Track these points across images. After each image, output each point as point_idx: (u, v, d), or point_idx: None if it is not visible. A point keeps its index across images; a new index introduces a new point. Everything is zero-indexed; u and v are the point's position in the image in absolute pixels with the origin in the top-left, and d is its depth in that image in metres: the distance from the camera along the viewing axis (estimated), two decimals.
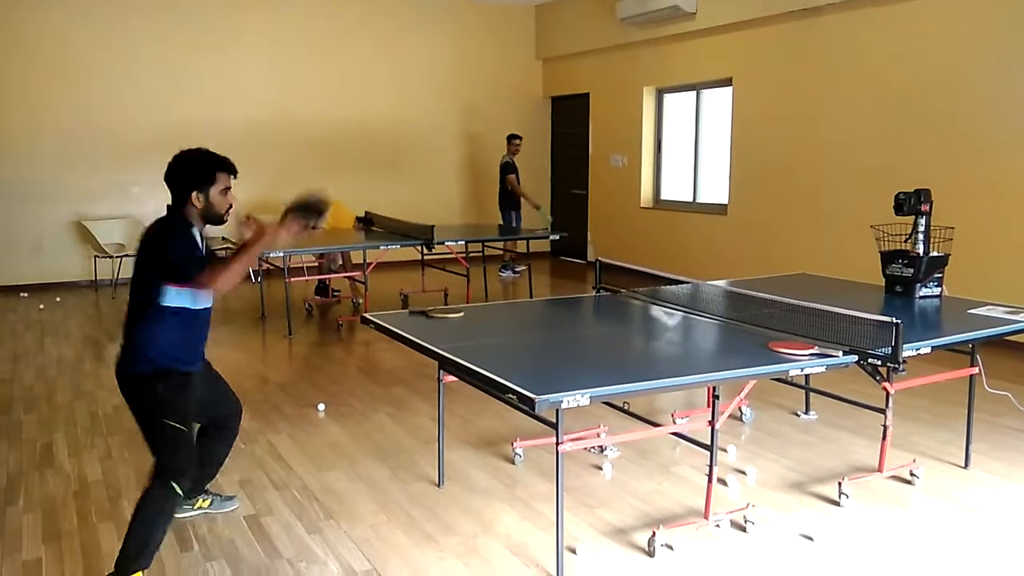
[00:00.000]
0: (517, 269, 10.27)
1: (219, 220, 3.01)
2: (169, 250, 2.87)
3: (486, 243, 8.30)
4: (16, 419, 4.81)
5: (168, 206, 2.99)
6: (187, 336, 2.99)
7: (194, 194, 2.92)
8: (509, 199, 10.12)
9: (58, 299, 8.56)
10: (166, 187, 2.96)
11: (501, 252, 10.26)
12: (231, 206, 3.02)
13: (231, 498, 3.60)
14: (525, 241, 9.00)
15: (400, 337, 3.47)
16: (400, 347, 3.57)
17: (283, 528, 3.39)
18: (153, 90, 9.38)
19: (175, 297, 2.91)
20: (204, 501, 3.53)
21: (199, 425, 3.22)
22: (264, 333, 7.08)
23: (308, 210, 3.01)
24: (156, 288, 2.89)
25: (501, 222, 10.22)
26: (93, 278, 9.27)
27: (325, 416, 4.84)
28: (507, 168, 10.06)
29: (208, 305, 3.04)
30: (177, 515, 3.40)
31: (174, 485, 2.83)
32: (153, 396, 2.91)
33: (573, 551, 3.16)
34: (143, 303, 2.92)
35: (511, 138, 10.15)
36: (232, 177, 3.00)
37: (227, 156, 3.00)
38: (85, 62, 9.08)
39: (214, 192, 2.94)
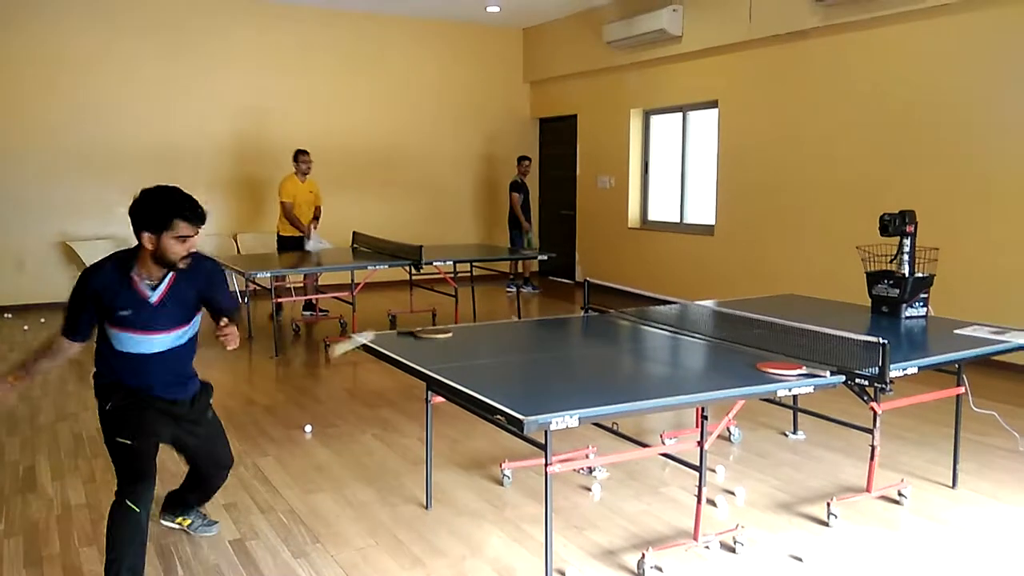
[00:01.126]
0: (533, 287, 10.63)
1: (171, 266, 2.88)
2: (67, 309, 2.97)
3: (474, 263, 8.30)
4: None
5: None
6: (127, 365, 2.95)
7: (145, 235, 2.81)
8: (516, 218, 10.35)
9: (43, 320, 8.48)
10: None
11: (509, 272, 10.53)
12: (188, 255, 2.87)
13: (214, 523, 3.56)
14: (511, 261, 9.02)
15: (388, 358, 3.46)
16: (388, 368, 3.55)
17: (269, 552, 3.36)
18: (141, 108, 9.37)
19: (121, 340, 2.94)
20: (185, 520, 3.50)
21: (174, 446, 3.20)
22: (251, 354, 7.04)
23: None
24: (102, 326, 2.97)
25: (509, 240, 10.47)
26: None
27: (312, 438, 4.80)
28: (512, 187, 10.35)
29: (150, 351, 2.94)
30: (162, 523, 3.47)
31: (127, 502, 2.75)
32: (102, 412, 2.95)
33: (562, 573, 3.14)
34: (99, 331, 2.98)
35: (520, 160, 10.46)
36: (195, 227, 2.84)
37: (197, 202, 2.86)
38: (72, 80, 9.05)
39: (167, 237, 2.80)
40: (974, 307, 5.63)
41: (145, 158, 9.40)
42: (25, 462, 4.41)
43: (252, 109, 9.93)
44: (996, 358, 3.99)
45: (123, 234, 9.30)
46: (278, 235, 8.52)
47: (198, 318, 3.08)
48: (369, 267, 7.32)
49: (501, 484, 4.06)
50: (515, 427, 2.57)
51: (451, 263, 7.93)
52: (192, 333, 3.07)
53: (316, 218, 8.54)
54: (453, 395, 3.01)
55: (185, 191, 2.89)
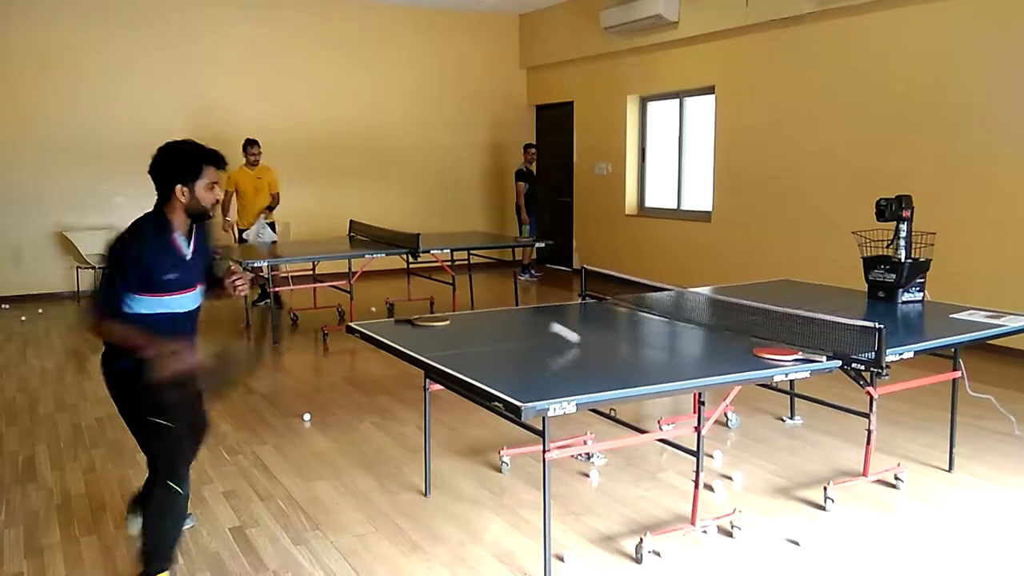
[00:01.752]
0: (535, 273, 10.69)
1: (204, 215, 2.87)
2: (105, 269, 2.77)
3: (472, 251, 8.30)
4: None
5: (156, 202, 2.85)
6: (163, 334, 2.75)
7: (178, 188, 2.77)
8: (528, 204, 10.44)
9: (40, 311, 8.48)
10: (151, 179, 2.82)
11: (521, 259, 10.58)
12: (217, 201, 2.89)
13: (190, 515, 3.40)
14: (511, 248, 9.02)
15: (386, 346, 3.46)
16: (386, 356, 3.56)
17: (268, 539, 3.37)
18: (136, 100, 9.34)
19: (140, 303, 2.77)
20: None
21: None
22: (249, 343, 7.04)
23: (226, 377, 2.89)
24: (118, 293, 2.76)
25: (518, 227, 10.56)
26: (75, 289, 9.19)
27: (311, 426, 4.82)
28: (517, 176, 10.45)
29: (184, 310, 2.88)
30: (129, 526, 3.30)
31: (171, 485, 2.76)
32: (136, 393, 2.77)
33: (560, 559, 3.16)
34: (90, 309, 2.80)
35: (525, 147, 10.55)
36: (220, 171, 2.86)
37: (215, 149, 2.87)
38: (67, 71, 9.02)
39: (200, 186, 2.79)
40: (971, 292, 5.63)
41: (140, 149, 9.22)
42: (25, 452, 4.42)
43: (248, 100, 9.89)
44: (992, 342, 4.01)
45: (119, 223, 9.27)
46: (237, 227, 8.43)
47: None
48: (366, 255, 7.31)
49: (499, 471, 4.07)
50: (513, 414, 2.58)
51: (448, 251, 7.92)
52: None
53: (270, 208, 8.41)
54: (451, 383, 3.02)
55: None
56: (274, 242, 8.39)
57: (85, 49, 9.08)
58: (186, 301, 2.88)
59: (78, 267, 9.07)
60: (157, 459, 2.85)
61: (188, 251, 2.88)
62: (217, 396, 2.88)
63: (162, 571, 2.82)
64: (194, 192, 2.79)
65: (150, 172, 2.81)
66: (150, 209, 2.87)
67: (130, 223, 2.83)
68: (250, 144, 8.33)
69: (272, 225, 8.53)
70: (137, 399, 2.80)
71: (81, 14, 9.01)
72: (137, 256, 2.74)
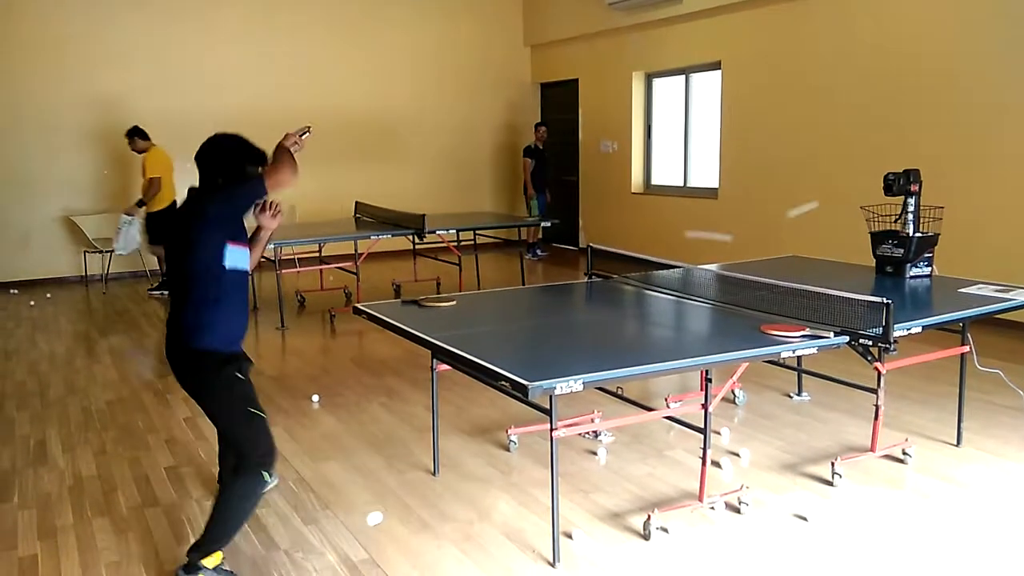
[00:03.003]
0: (541, 252, 10.77)
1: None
2: (229, 196, 2.84)
3: (478, 231, 8.28)
4: (9, 416, 4.80)
5: (190, 189, 2.94)
6: (240, 302, 2.91)
7: (220, 181, 2.88)
8: (535, 182, 10.48)
9: (48, 295, 8.52)
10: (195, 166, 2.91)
11: (527, 238, 10.64)
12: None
13: (274, 476, 3.46)
14: (517, 228, 9.01)
15: (393, 327, 3.47)
16: (393, 337, 3.57)
17: (279, 519, 3.40)
18: (140, 83, 9.31)
19: (233, 257, 2.85)
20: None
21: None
22: (256, 325, 7.07)
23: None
24: (219, 250, 2.81)
25: (526, 204, 10.64)
26: (83, 274, 9.22)
27: (319, 407, 4.84)
28: (525, 153, 10.52)
29: (248, 269, 3.01)
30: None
31: (264, 473, 2.83)
32: (232, 381, 2.83)
33: (569, 536, 3.17)
34: (204, 272, 2.81)
35: (536, 126, 10.61)
36: (261, 169, 2.93)
37: (260, 148, 2.95)
38: (71, 56, 9.00)
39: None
40: (979, 266, 5.60)
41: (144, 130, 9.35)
42: (36, 436, 4.45)
43: (251, 81, 9.85)
44: (1001, 316, 3.99)
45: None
46: (149, 213, 8.22)
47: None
48: (372, 236, 7.31)
49: (507, 449, 4.09)
50: (520, 393, 2.58)
51: (454, 231, 7.91)
52: None
53: (140, 202, 8.26)
54: (458, 362, 3.02)
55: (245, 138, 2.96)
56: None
57: (91, 33, 9.05)
58: (248, 259, 3.00)
59: (85, 251, 9.09)
60: (249, 447, 2.85)
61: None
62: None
63: (219, 551, 2.87)
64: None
65: (196, 159, 2.91)
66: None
67: (195, 195, 2.92)
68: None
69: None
70: (227, 387, 2.84)
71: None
72: (224, 198, 2.85)
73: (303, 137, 3.06)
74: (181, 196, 9.00)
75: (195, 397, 2.92)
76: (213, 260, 2.81)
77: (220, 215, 2.83)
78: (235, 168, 2.89)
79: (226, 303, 2.86)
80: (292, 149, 2.97)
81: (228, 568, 2.93)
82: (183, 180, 9.16)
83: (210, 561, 2.85)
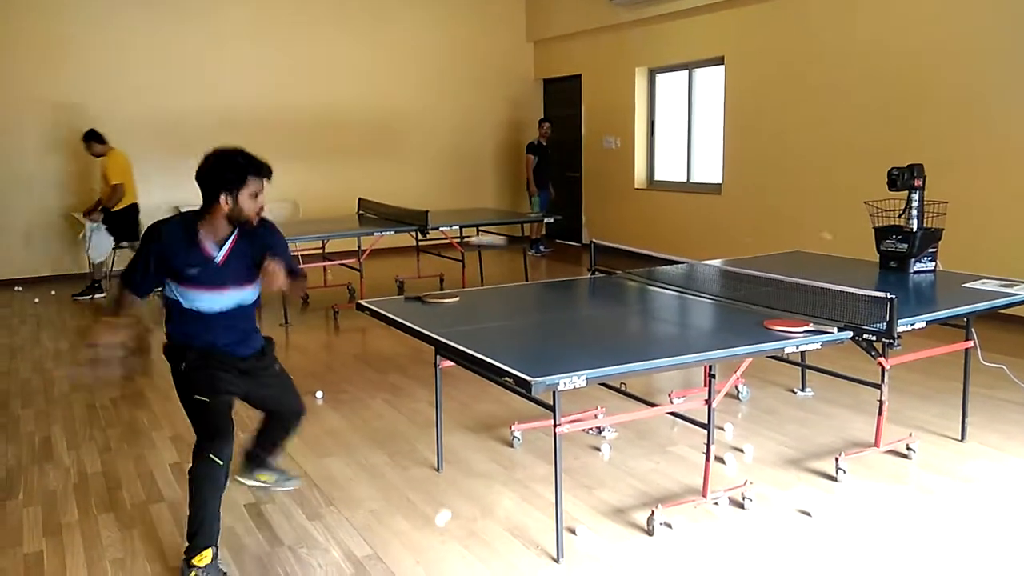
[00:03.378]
0: (544, 248, 10.78)
1: (247, 224, 2.92)
2: (132, 259, 3.02)
3: (480, 227, 8.28)
4: (14, 413, 4.81)
5: (202, 205, 2.93)
6: (197, 325, 2.96)
7: (222, 196, 2.83)
8: (537, 179, 10.46)
9: (52, 292, 8.53)
10: (196, 164, 2.89)
11: (529, 234, 10.63)
12: (261, 208, 2.94)
13: (292, 478, 3.50)
14: (520, 224, 9.00)
15: (396, 323, 3.47)
16: (396, 333, 3.57)
17: (283, 515, 3.41)
18: (140, 81, 9.31)
19: (188, 297, 2.95)
20: (267, 476, 3.42)
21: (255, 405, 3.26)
22: (260, 322, 7.05)
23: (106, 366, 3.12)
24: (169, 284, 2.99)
25: (530, 202, 10.65)
26: (87, 271, 9.22)
27: (323, 403, 4.84)
28: (528, 149, 10.51)
29: (215, 310, 2.96)
30: (242, 481, 3.38)
31: (211, 457, 2.83)
32: (178, 372, 2.98)
33: (573, 532, 3.17)
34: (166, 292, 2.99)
35: (540, 122, 10.61)
36: (265, 181, 2.90)
37: (262, 160, 2.91)
38: (72, 51, 9.00)
39: (243, 196, 2.85)
40: (983, 260, 5.59)
41: (146, 130, 9.37)
42: (41, 433, 4.47)
43: (252, 79, 9.85)
44: (1005, 311, 3.98)
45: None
46: (114, 211, 8.16)
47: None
48: (375, 233, 7.31)
49: (511, 445, 4.09)
50: (523, 389, 2.58)
51: (458, 228, 7.90)
52: (257, 292, 3.09)
53: (101, 207, 8.21)
54: (461, 359, 3.03)
55: (247, 151, 2.93)
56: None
57: (88, 31, 9.03)
58: (214, 302, 2.95)
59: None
60: (197, 432, 2.93)
61: (218, 255, 2.93)
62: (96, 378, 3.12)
63: (207, 547, 2.85)
64: (237, 201, 2.85)
65: (196, 177, 2.88)
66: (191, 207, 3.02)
67: (164, 218, 3.02)
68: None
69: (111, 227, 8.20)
70: (178, 376, 2.99)
71: None
72: (158, 243, 2.91)
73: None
74: (159, 195, 9.02)
75: None
76: (133, 274, 3.00)
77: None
78: (209, 194, 2.86)
79: (186, 318, 2.97)
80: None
81: (221, 567, 2.92)
82: (166, 176, 9.33)
83: (200, 559, 2.84)
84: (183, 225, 2.93)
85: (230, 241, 2.94)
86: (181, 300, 2.95)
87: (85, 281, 8.51)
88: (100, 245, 8.25)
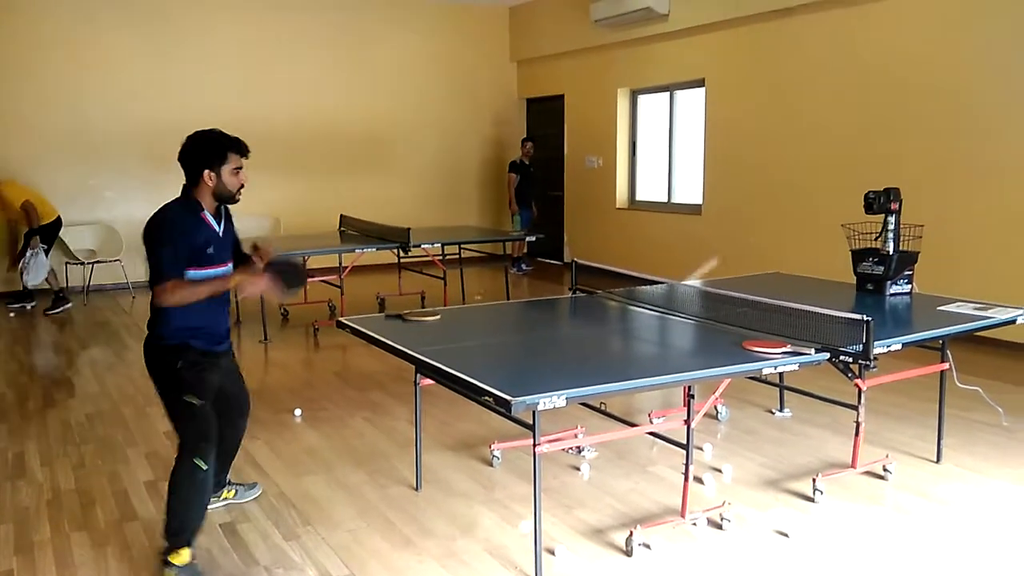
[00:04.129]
0: (525, 266, 10.81)
1: (231, 199, 3.08)
2: (151, 250, 2.94)
3: (463, 245, 8.29)
4: None
5: (183, 187, 3.06)
6: (202, 314, 3.03)
7: (206, 173, 2.98)
8: (519, 197, 10.53)
9: (28, 307, 8.43)
10: (180, 167, 3.02)
11: (510, 252, 10.72)
12: (242, 186, 3.07)
13: (254, 485, 3.70)
14: (502, 243, 9.02)
15: (376, 341, 3.46)
16: (377, 351, 3.56)
17: (260, 535, 3.37)
18: (124, 94, 9.28)
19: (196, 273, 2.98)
20: (229, 492, 3.61)
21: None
22: (239, 338, 7.03)
23: (291, 277, 3.10)
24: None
25: (512, 220, 10.73)
26: (64, 285, 9.13)
27: (302, 421, 4.81)
28: (510, 168, 10.59)
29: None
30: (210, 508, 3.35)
31: (195, 461, 2.88)
32: (171, 371, 2.99)
33: (551, 552, 3.16)
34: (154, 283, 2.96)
35: (523, 141, 10.68)
36: (243, 158, 3.06)
37: (239, 137, 3.07)
38: (57, 66, 8.96)
39: (226, 171, 3.00)
40: (959, 283, 5.67)
41: (131, 144, 9.33)
42: (14, 448, 4.40)
43: (238, 94, 9.84)
44: (980, 334, 4.03)
45: (109, 218, 9.28)
46: (40, 228, 8.07)
47: None
48: (357, 250, 7.30)
49: (490, 465, 4.08)
50: (503, 408, 2.58)
51: (439, 245, 7.91)
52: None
53: (32, 231, 8.06)
54: (442, 377, 3.02)
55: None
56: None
57: (75, 44, 9.01)
58: (209, 274, 3.04)
59: (67, 262, 9.02)
60: (183, 434, 2.97)
61: (219, 229, 3.11)
62: (286, 295, 3.15)
63: (185, 546, 2.91)
64: (220, 176, 3.00)
65: (179, 159, 3.01)
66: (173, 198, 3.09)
67: (158, 212, 3.01)
68: None
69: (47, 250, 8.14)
70: (171, 376, 3.00)
71: (72, 7, 8.94)
72: (180, 229, 2.96)
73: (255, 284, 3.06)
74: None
75: (153, 383, 3.08)
76: (177, 264, 2.96)
77: (179, 241, 2.94)
78: (194, 174, 3.00)
79: (179, 313, 2.99)
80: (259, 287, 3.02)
81: (199, 569, 2.96)
82: (150, 192, 9.27)
83: (178, 558, 2.89)
84: (185, 208, 3.03)
85: (223, 217, 3.15)
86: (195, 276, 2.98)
87: (49, 296, 8.44)
88: (38, 269, 8.15)
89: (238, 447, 3.56)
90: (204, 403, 3.01)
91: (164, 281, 2.90)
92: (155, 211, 3.01)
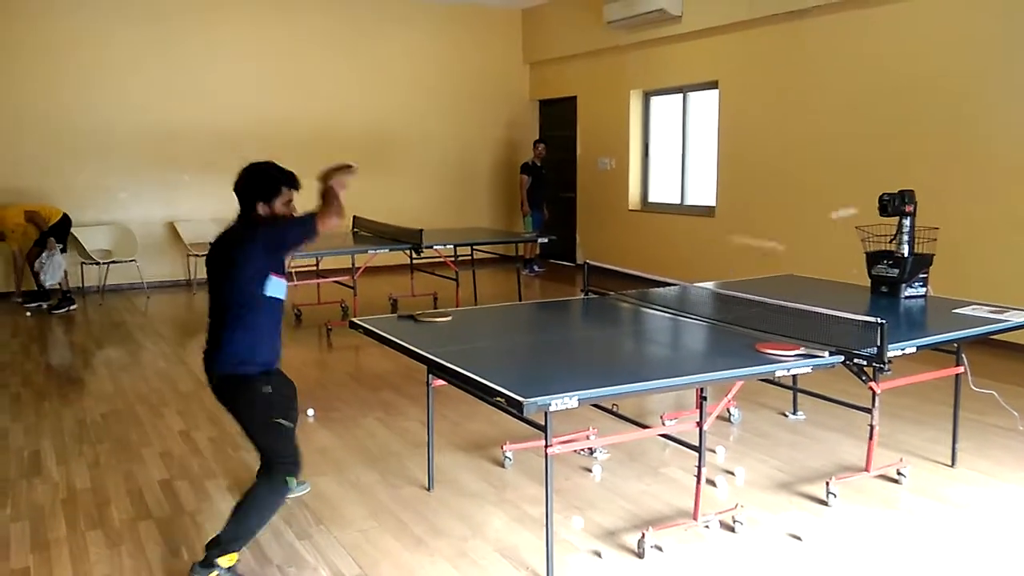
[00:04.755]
0: (537, 268, 10.79)
1: None
2: (281, 227, 3.06)
3: (475, 246, 8.29)
4: (3, 427, 4.78)
5: (239, 215, 3.14)
6: (273, 327, 3.14)
7: (259, 205, 3.07)
8: (531, 199, 10.55)
9: (45, 306, 8.50)
10: (235, 197, 3.12)
11: (523, 253, 10.81)
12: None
13: (303, 482, 3.76)
14: (514, 244, 9.02)
15: (389, 341, 3.48)
16: (389, 351, 3.57)
17: (273, 534, 3.39)
18: (137, 95, 9.34)
19: (275, 287, 3.07)
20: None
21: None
22: None
23: (339, 170, 3.18)
24: (262, 280, 3.03)
25: (523, 221, 10.76)
26: (80, 285, 9.21)
27: (315, 421, 4.83)
28: (522, 169, 10.62)
29: (284, 297, 3.17)
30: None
31: (289, 479, 2.97)
32: (261, 396, 3.04)
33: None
34: (243, 301, 3.03)
35: (535, 143, 10.71)
36: (294, 191, 3.15)
37: (292, 171, 3.16)
38: (72, 66, 9.03)
39: (278, 204, 3.09)
40: (974, 286, 5.63)
41: (145, 145, 9.39)
42: (30, 447, 4.44)
43: (249, 96, 9.89)
44: (995, 337, 4.00)
45: (123, 218, 9.35)
46: (50, 228, 8.27)
47: None
48: (370, 251, 7.32)
49: (502, 466, 4.08)
50: (515, 409, 2.59)
51: (452, 247, 7.92)
52: None
53: (44, 232, 8.27)
54: (454, 378, 3.03)
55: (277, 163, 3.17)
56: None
57: (89, 45, 9.08)
58: (284, 288, 3.17)
59: (83, 262, 9.09)
60: (276, 455, 3.01)
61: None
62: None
63: (237, 552, 2.96)
64: (272, 209, 3.09)
65: (235, 189, 3.11)
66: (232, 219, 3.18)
67: (238, 228, 3.10)
68: None
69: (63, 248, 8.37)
70: (260, 401, 3.03)
71: (86, 9, 9.02)
72: (274, 230, 3.06)
73: (349, 173, 3.16)
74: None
75: (230, 411, 3.11)
76: (257, 286, 3.03)
77: (269, 245, 3.03)
78: (248, 205, 3.09)
79: (264, 328, 3.10)
80: (340, 191, 3.11)
81: (241, 573, 2.99)
82: (161, 191, 9.37)
83: (225, 561, 2.93)
84: (245, 225, 3.10)
85: None
86: (270, 292, 3.05)
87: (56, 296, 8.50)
88: (55, 269, 8.23)
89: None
90: (293, 424, 3.12)
91: (312, 220, 3.02)
92: (231, 229, 3.11)
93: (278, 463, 2.98)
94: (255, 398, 3.03)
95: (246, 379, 3.05)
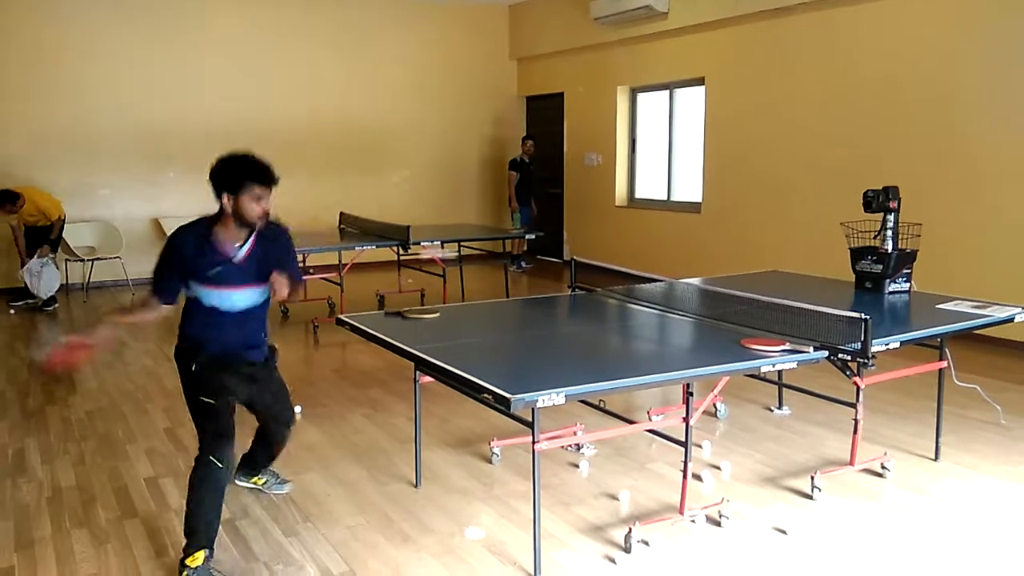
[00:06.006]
0: (524, 264, 10.85)
1: (250, 225, 3.04)
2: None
3: (462, 243, 8.29)
4: None
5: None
6: (212, 325, 3.10)
7: (224, 196, 3.01)
8: (519, 195, 10.57)
9: (29, 302, 8.44)
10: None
11: (510, 250, 10.71)
12: (266, 213, 3.04)
13: (286, 482, 3.76)
14: (502, 241, 9.02)
15: (376, 338, 3.47)
16: (376, 348, 3.57)
17: (259, 531, 3.38)
18: (122, 93, 9.28)
19: (193, 291, 3.09)
20: (260, 479, 3.71)
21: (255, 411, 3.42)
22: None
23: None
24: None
25: (511, 218, 10.78)
26: (64, 282, 9.14)
27: (301, 418, 4.81)
28: (510, 166, 10.62)
29: (234, 308, 3.10)
30: (238, 483, 3.67)
31: (212, 459, 2.93)
32: (187, 373, 3.08)
33: (550, 549, 3.17)
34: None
35: (523, 139, 10.73)
36: (265, 187, 3.01)
37: (268, 166, 3.03)
38: (52, 62, 8.95)
39: (244, 199, 2.99)
40: (957, 282, 5.68)
41: (127, 142, 9.34)
42: (14, 445, 4.41)
43: (235, 93, 9.84)
44: (978, 332, 4.03)
45: (107, 216, 9.29)
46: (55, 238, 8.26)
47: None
48: (356, 247, 7.30)
49: (490, 462, 4.09)
50: (502, 405, 2.59)
51: (439, 243, 7.91)
52: (268, 294, 3.19)
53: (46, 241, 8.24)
54: (441, 374, 3.03)
55: (258, 156, 3.06)
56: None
57: (71, 41, 9.01)
58: (232, 300, 3.09)
59: (67, 259, 9.02)
60: (201, 433, 3.03)
61: (238, 255, 3.07)
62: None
63: (200, 548, 2.92)
64: (238, 203, 3.00)
65: (209, 177, 3.06)
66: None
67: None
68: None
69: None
70: (188, 377, 3.09)
71: (71, 6, 8.94)
72: (175, 250, 3.06)
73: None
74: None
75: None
76: (157, 281, 3.14)
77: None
78: (216, 194, 3.03)
79: (193, 319, 3.13)
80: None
81: (214, 569, 2.97)
82: (148, 188, 9.30)
83: (193, 560, 2.90)
84: (198, 230, 3.07)
85: (249, 242, 3.09)
86: (201, 299, 3.07)
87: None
88: (50, 280, 8.16)
89: (282, 448, 3.62)
90: (218, 401, 3.05)
91: (150, 292, 3.14)
92: (180, 226, 3.12)
93: (202, 441, 3.00)
94: (184, 374, 3.09)
95: (178, 354, 3.14)
